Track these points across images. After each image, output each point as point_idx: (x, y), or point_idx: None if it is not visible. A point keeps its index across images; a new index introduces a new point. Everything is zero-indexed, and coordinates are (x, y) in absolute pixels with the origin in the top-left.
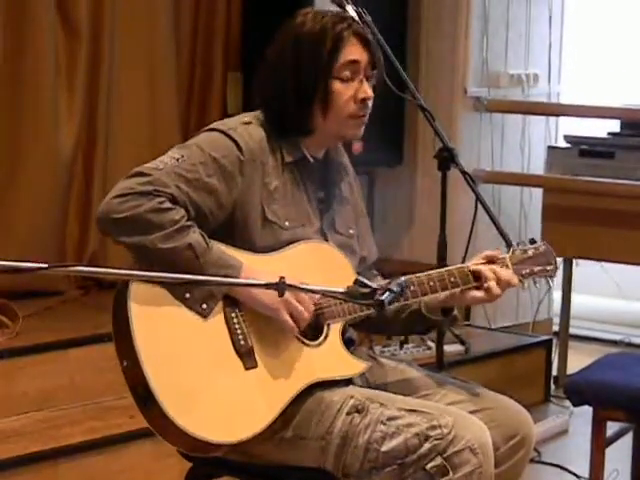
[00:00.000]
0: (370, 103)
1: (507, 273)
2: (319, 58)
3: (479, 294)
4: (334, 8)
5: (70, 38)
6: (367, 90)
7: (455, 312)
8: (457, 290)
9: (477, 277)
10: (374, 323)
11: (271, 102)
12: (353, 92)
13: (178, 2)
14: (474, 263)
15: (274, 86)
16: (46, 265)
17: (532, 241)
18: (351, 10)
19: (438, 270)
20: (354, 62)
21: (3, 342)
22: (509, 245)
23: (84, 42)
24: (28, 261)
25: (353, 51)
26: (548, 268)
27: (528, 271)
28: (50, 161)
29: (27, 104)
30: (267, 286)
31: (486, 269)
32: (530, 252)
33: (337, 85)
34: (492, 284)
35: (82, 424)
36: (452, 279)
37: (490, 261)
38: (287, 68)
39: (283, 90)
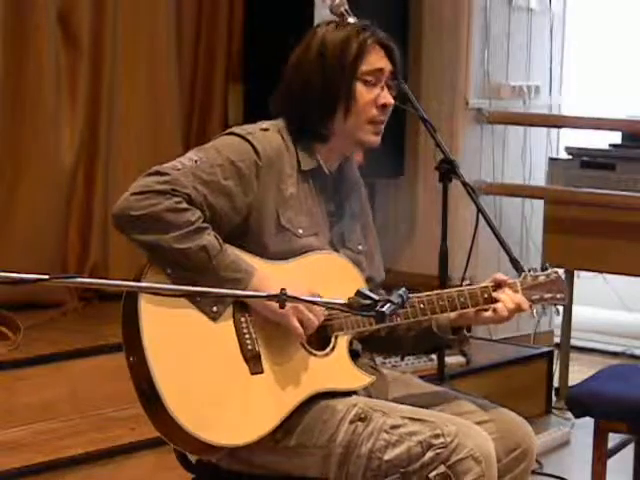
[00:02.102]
0: (389, 111)
1: (518, 297)
2: (344, 60)
3: (488, 315)
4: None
5: (71, 50)
6: (388, 96)
7: (465, 332)
8: (468, 310)
9: (487, 300)
10: (384, 341)
11: (295, 102)
12: (374, 97)
13: (180, 14)
14: (484, 285)
15: (299, 86)
16: (47, 276)
17: (544, 268)
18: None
19: (449, 290)
20: (379, 70)
21: (5, 353)
22: (515, 264)
23: (85, 54)
24: (29, 272)
25: (378, 59)
26: (558, 296)
27: (538, 297)
28: (51, 172)
29: (28, 116)
30: (268, 298)
31: (501, 294)
32: (541, 279)
33: (360, 87)
34: (500, 306)
35: (83, 436)
36: (462, 299)
37: (499, 284)
38: (313, 68)
39: (308, 89)
